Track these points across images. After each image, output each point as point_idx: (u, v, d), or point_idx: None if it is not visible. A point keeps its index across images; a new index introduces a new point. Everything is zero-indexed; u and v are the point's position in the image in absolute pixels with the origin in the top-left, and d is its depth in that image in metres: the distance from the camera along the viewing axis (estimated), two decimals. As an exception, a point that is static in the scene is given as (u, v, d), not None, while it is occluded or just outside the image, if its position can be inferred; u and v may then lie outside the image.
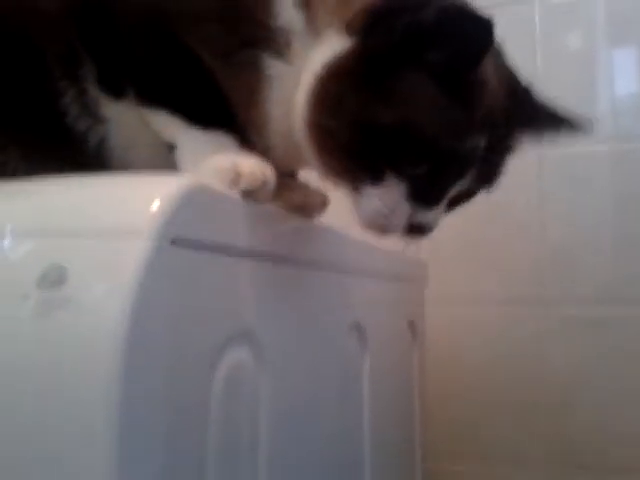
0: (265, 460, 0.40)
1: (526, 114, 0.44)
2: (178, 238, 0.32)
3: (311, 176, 0.53)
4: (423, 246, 0.92)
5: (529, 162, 0.94)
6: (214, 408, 0.35)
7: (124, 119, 0.44)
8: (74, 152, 0.44)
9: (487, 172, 0.43)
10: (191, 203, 0.34)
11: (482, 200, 0.46)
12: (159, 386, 0.30)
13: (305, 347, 0.48)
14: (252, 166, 0.39)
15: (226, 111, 0.43)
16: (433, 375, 0.92)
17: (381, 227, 0.42)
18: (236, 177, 0.38)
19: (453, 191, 0.42)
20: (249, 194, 0.39)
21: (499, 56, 0.44)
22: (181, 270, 0.32)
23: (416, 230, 0.42)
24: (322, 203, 0.50)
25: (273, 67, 0.42)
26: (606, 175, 0.92)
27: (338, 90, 0.40)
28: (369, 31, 0.40)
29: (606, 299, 0.90)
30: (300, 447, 0.46)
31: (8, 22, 0.43)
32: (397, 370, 0.73)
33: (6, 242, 0.30)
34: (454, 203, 0.44)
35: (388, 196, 0.41)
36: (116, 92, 0.43)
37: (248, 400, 0.39)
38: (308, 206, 0.48)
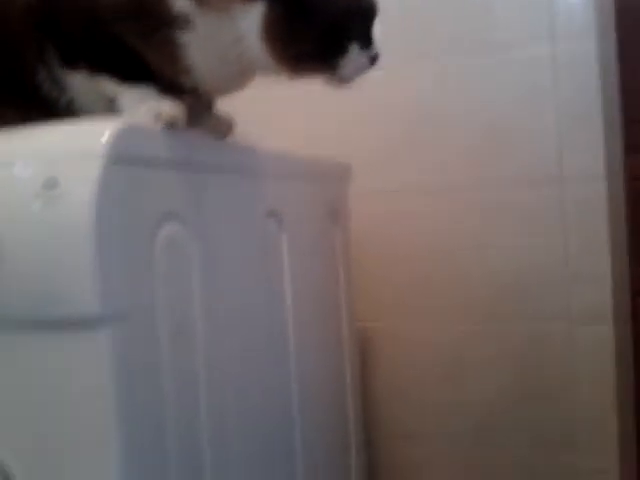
0: (200, 309, 0.63)
1: None
2: (120, 156, 0.54)
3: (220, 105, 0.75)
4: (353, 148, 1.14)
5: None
6: (158, 262, 0.57)
7: (82, 85, 0.65)
8: (51, 113, 0.65)
9: None
10: (128, 134, 0.55)
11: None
12: (119, 243, 0.53)
13: (227, 228, 0.70)
14: (167, 108, 0.60)
15: (147, 71, 0.63)
16: (365, 254, 1.16)
17: (360, 73, 0.67)
18: (157, 115, 0.60)
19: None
20: (168, 126, 0.61)
21: None
22: (125, 176, 0.54)
23: (373, 61, 0.67)
24: (229, 127, 0.72)
25: (183, 37, 0.62)
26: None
27: (283, 31, 0.62)
28: None
29: (525, 181, 1.11)
30: (227, 303, 0.68)
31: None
32: (318, 249, 0.96)
33: (20, 165, 0.53)
34: None
35: (355, 55, 0.65)
36: (73, 67, 0.64)
37: (183, 261, 0.61)
38: (218, 130, 0.70)
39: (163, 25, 0.62)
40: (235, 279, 0.71)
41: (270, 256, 0.81)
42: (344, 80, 0.67)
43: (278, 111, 1.18)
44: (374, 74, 1.17)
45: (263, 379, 0.77)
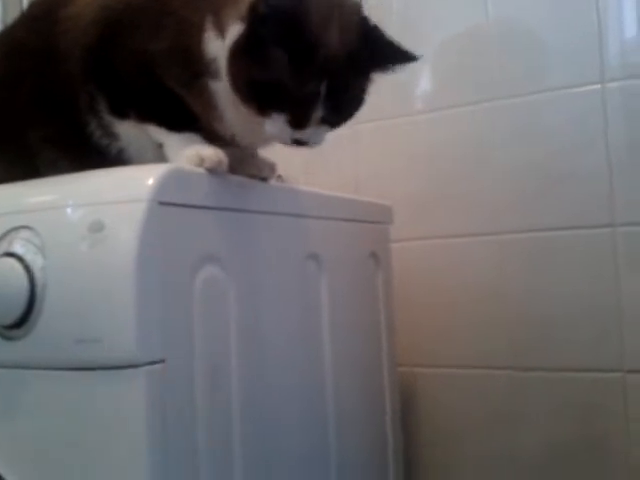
0: (236, 350, 0.63)
1: (376, 55, 0.63)
2: (163, 200, 0.56)
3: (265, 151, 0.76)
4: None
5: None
6: (196, 304, 0.59)
7: (131, 133, 0.68)
8: (102, 160, 0.67)
9: (338, 106, 0.63)
10: (171, 179, 0.58)
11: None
12: (159, 285, 0.54)
13: (266, 270, 0.71)
14: (210, 152, 0.62)
15: (192, 119, 0.66)
16: (411, 298, 1.16)
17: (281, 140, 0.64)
18: (201, 160, 0.62)
19: (314, 120, 0.62)
20: (211, 170, 0.62)
21: (345, 14, 0.61)
22: (167, 219, 0.56)
23: (300, 143, 0.63)
24: (271, 170, 0.73)
25: (214, 86, 0.64)
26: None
27: (235, 61, 0.60)
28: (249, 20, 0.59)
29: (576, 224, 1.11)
30: (264, 345, 0.69)
31: (54, 86, 0.67)
32: (358, 291, 0.95)
33: (69, 210, 0.55)
34: (332, 125, 0.64)
35: (274, 123, 0.61)
36: (122, 115, 0.67)
37: (221, 302, 0.62)
38: (260, 173, 0.72)
39: (199, 73, 0.63)
40: (273, 321, 0.72)
41: (309, 298, 0.81)
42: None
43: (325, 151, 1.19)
44: (424, 116, 1.20)
45: (299, 422, 0.76)
